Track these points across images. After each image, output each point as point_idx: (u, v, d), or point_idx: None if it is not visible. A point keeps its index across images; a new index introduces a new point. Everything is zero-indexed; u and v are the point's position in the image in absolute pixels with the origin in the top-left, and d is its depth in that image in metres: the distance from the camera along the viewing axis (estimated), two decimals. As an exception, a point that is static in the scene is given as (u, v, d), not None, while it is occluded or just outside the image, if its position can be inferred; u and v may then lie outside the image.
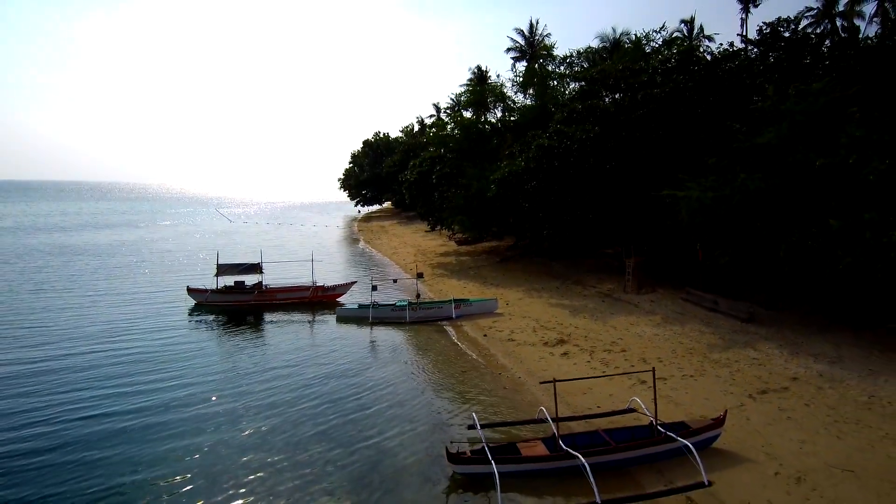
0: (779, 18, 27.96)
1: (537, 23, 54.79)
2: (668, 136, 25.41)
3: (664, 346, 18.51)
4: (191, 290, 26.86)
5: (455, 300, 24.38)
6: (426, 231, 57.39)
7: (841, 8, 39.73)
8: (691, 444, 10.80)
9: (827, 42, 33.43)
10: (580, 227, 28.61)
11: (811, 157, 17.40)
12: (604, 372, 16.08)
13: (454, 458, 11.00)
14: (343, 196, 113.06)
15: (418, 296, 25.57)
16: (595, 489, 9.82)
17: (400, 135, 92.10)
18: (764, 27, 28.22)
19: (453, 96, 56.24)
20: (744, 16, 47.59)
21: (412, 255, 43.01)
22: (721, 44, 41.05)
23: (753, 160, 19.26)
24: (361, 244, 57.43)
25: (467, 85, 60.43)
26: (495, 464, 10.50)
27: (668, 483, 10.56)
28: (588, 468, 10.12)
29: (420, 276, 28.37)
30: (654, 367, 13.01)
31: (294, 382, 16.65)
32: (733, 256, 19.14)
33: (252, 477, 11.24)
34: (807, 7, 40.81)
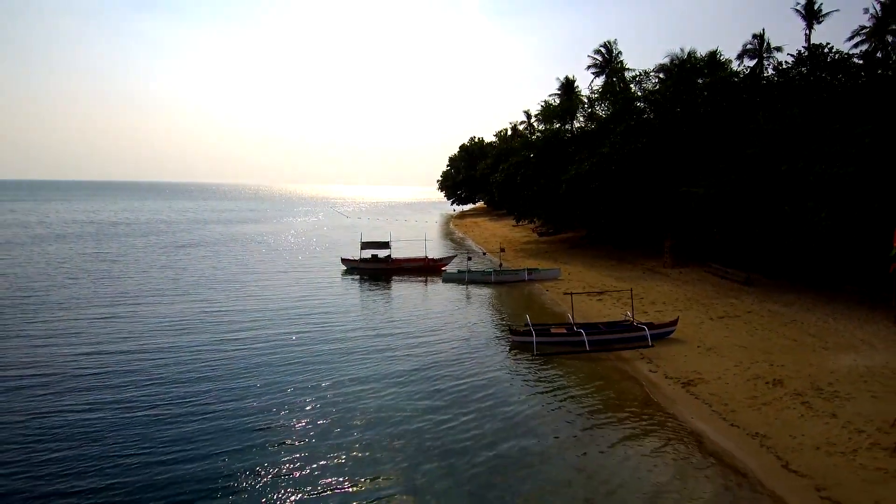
0: (811, 44, 34.04)
1: (614, 43, 62.16)
2: (697, 147, 32.72)
3: (671, 296, 26.43)
4: (344, 260, 38.28)
5: (528, 269, 33.39)
6: (513, 226, 66.57)
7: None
8: (649, 331, 19.27)
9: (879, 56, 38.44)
10: (630, 218, 36.45)
11: (779, 164, 24.58)
12: (623, 312, 24.48)
13: (513, 332, 20.36)
14: (439, 195, 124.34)
15: (500, 265, 34.88)
16: (587, 345, 18.75)
17: (494, 139, 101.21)
18: (804, 52, 34.42)
19: (542, 104, 64.12)
20: (808, 31, 51.81)
21: (498, 243, 52.23)
22: (771, 63, 46.50)
23: (744, 165, 26.51)
24: (458, 234, 67.64)
25: (556, 94, 68.48)
26: (535, 335, 19.63)
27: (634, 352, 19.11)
28: (586, 339, 19.02)
29: (502, 250, 37.68)
30: (631, 288, 21.65)
31: (419, 314, 26.46)
32: (725, 236, 26.57)
33: (400, 352, 21.17)
34: (860, 25, 45.29)
